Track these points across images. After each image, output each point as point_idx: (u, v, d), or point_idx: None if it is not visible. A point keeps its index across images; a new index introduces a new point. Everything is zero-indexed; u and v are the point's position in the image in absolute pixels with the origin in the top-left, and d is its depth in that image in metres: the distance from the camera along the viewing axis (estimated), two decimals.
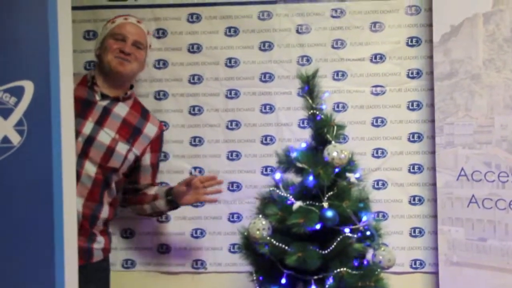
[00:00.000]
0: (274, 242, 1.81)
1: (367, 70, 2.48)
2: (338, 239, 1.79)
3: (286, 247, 1.79)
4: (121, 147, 2.15)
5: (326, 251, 1.78)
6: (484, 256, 2.29)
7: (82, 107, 2.08)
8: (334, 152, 1.82)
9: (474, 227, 2.31)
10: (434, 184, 2.41)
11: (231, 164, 2.52)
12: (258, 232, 1.83)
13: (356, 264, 1.83)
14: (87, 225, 2.11)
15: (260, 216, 1.87)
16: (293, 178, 1.92)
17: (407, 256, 2.46)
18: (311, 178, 1.81)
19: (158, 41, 2.52)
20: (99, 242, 2.18)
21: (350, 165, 1.89)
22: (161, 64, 2.53)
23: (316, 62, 2.46)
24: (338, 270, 1.79)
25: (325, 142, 1.88)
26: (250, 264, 1.95)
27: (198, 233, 2.53)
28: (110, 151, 2.12)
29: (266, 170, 2.49)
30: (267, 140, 2.51)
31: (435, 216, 2.42)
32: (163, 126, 2.36)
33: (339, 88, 2.48)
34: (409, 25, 2.47)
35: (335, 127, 1.89)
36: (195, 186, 2.16)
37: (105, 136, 2.12)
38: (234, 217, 2.52)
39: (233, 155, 2.52)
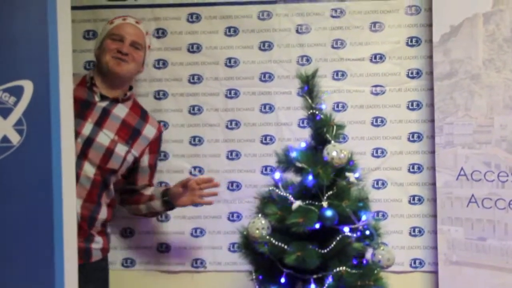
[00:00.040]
0: (274, 241, 1.81)
1: (367, 70, 2.48)
2: (338, 238, 1.79)
3: (286, 246, 1.80)
4: (120, 149, 2.15)
5: (325, 251, 1.78)
6: (483, 256, 2.29)
7: (81, 108, 2.08)
8: (334, 151, 1.82)
9: (473, 227, 2.31)
10: (433, 184, 2.41)
11: (230, 163, 2.52)
12: (257, 231, 1.83)
13: (355, 263, 1.83)
14: (86, 226, 2.11)
15: (260, 215, 1.88)
16: (292, 177, 1.93)
17: (407, 255, 2.47)
18: (310, 177, 1.81)
19: (158, 41, 2.52)
20: (98, 242, 2.18)
21: (349, 164, 1.89)
22: (161, 64, 2.53)
23: (316, 62, 2.47)
24: (338, 269, 1.79)
25: (324, 142, 1.88)
26: (250, 263, 1.95)
27: (198, 232, 2.54)
28: (109, 152, 2.13)
29: (266, 170, 2.49)
30: (266, 139, 2.51)
31: (434, 216, 2.42)
32: (162, 127, 2.36)
33: (339, 88, 2.48)
34: (409, 25, 2.47)
35: (335, 127, 1.89)
36: (192, 187, 2.16)
37: (104, 137, 2.12)
38: (233, 216, 2.52)
39: (233, 155, 2.52)
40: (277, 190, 1.87)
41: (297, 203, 1.81)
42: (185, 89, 2.53)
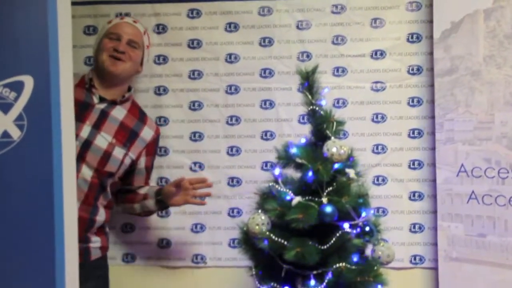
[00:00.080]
0: (273, 237, 1.81)
1: (367, 66, 2.48)
2: (337, 234, 1.79)
3: (285, 242, 1.80)
4: (118, 152, 2.15)
5: (325, 247, 1.78)
6: (483, 252, 2.29)
7: (80, 110, 2.06)
8: (334, 147, 1.82)
9: (473, 223, 2.32)
10: (434, 180, 2.41)
11: (231, 159, 2.52)
12: (257, 227, 1.83)
13: (355, 259, 1.83)
14: (84, 228, 2.10)
15: (260, 211, 1.88)
16: (292, 173, 1.93)
17: (407, 251, 2.47)
18: (310, 173, 1.81)
19: (158, 37, 2.52)
20: (96, 242, 2.18)
21: (349, 161, 1.89)
22: (161, 59, 2.53)
23: (316, 58, 2.47)
24: (337, 265, 1.80)
25: (324, 138, 1.88)
26: (250, 259, 1.96)
27: (198, 228, 2.54)
28: (107, 155, 2.12)
29: (266, 166, 2.49)
30: (267, 135, 2.51)
31: (434, 212, 2.42)
32: (159, 130, 2.34)
33: (339, 84, 2.48)
34: (409, 21, 2.47)
35: (335, 123, 1.89)
36: (185, 187, 2.15)
37: (102, 140, 2.12)
38: (234, 212, 2.52)
39: (233, 151, 2.52)
40: (277, 186, 1.87)
41: (297, 199, 1.81)
42: (185, 84, 2.53)
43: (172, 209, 2.48)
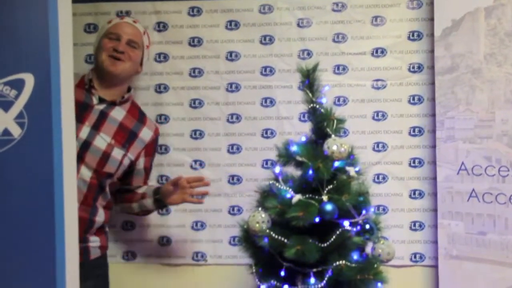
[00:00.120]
0: (274, 235, 1.81)
1: (368, 64, 2.48)
2: (337, 232, 1.79)
3: (285, 240, 1.80)
4: (117, 153, 2.15)
5: (325, 244, 1.78)
6: (483, 250, 2.30)
7: (79, 111, 2.04)
8: (334, 145, 1.82)
9: (474, 221, 2.32)
10: (434, 178, 2.41)
11: (231, 157, 2.52)
12: (257, 225, 1.83)
13: (355, 257, 1.83)
14: (83, 229, 2.09)
15: (260, 209, 1.88)
16: (293, 171, 1.93)
17: (407, 249, 2.47)
18: (310, 171, 1.81)
19: (159, 35, 2.52)
20: (95, 241, 2.18)
21: (350, 158, 1.89)
22: (162, 57, 2.53)
23: (317, 56, 2.46)
24: (337, 263, 1.80)
25: (325, 136, 1.88)
26: (250, 257, 1.96)
27: (198, 226, 2.54)
28: (105, 156, 2.12)
29: (267, 164, 2.49)
30: (267, 133, 2.51)
31: (435, 210, 2.42)
32: (158, 130, 2.34)
33: (340, 82, 2.48)
34: (410, 19, 2.47)
35: (335, 121, 1.89)
36: (182, 186, 2.16)
37: (101, 141, 2.12)
38: (234, 210, 2.53)
39: (234, 148, 2.53)
40: (277, 184, 1.87)
41: (297, 197, 1.81)
42: (186, 82, 2.53)
43: (172, 207, 2.48)
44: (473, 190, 2.31)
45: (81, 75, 2.20)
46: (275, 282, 1.85)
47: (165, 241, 2.56)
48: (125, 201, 2.30)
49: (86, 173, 2.09)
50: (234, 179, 2.52)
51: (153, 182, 2.43)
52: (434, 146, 2.41)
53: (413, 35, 2.47)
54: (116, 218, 2.48)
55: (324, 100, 1.91)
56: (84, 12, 2.53)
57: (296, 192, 1.83)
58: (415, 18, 2.46)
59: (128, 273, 2.53)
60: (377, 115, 2.49)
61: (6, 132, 1.53)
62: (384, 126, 2.48)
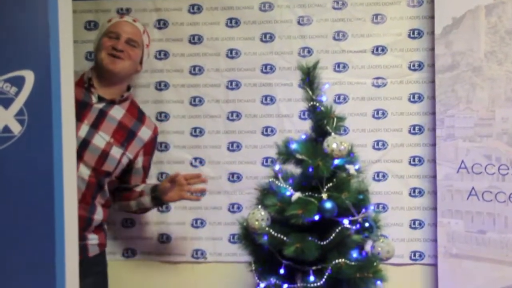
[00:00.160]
0: (273, 232, 1.82)
1: (368, 62, 2.48)
2: (337, 230, 1.79)
3: (285, 238, 1.80)
4: (116, 151, 2.15)
5: (324, 242, 1.79)
6: (483, 249, 2.30)
7: (78, 109, 2.02)
8: (334, 143, 1.82)
9: (473, 220, 2.32)
10: (434, 177, 2.41)
11: (231, 155, 2.52)
12: (257, 223, 1.84)
13: (354, 255, 1.83)
14: (82, 227, 2.08)
15: (259, 206, 1.88)
16: (292, 169, 1.93)
17: (407, 247, 2.47)
18: (310, 169, 1.81)
19: (159, 32, 2.52)
20: (94, 239, 2.18)
21: (350, 156, 1.89)
22: (162, 55, 2.53)
23: (317, 54, 2.46)
24: (337, 261, 1.80)
25: (325, 134, 1.88)
26: (249, 254, 1.96)
27: (198, 223, 2.54)
28: (104, 155, 2.12)
29: (267, 161, 2.49)
30: (267, 131, 2.51)
31: (435, 208, 2.42)
32: (157, 130, 2.33)
33: (340, 80, 2.48)
34: (411, 17, 2.46)
35: (335, 119, 1.89)
36: (179, 183, 2.16)
37: (100, 139, 2.12)
38: (234, 208, 2.53)
39: (234, 146, 2.53)
40: (277, 182, 1.88)
41: (296, 195, 1.81)
42: (186, 80, 2.53)
43: (172, 204, 2.49)
44: (473, 188, 2.31)
45: (81, 73, 2.20)
46: (275, 280, 1.85)
47: (165, 239, 2.56)
48: (123, 199, 2.30)
49: (85, 172, 2.09)
50: (234, 177, 2.52)
51: (153, 180, 2.43)
52: (434, 144, 2.41)
53: (413, 33, 2.46)
54: (116, 216, 2.48)
55: (324, 98, 1.91)
56: (85, 9, 2.53)
57: (295, 190, 1.84)
58: (415, 16, 2.46)
59: (128, 271, 2.54)
60: (377, 113, 2.49)
61: (6, 129, 1.53)
62: (384, 124, 2.48)
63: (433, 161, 2.42)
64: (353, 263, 1.81)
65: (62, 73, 1.56)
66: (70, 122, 1.61)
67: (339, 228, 1.80)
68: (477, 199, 2.30)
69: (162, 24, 2.53)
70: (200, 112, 2.53)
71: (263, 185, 1.95)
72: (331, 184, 1.82)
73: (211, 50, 2.52)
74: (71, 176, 1.62)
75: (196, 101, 2.53)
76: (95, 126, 2.12)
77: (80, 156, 2.06)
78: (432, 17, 2.40)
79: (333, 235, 1.79)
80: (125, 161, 2.19)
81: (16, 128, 1.53)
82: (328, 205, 1.77)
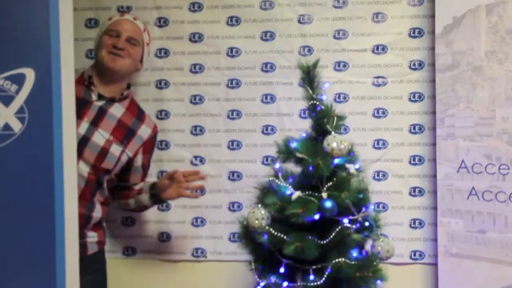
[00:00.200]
0: (273, 231, 1.82)
1: (368, 61, 2.48)
2: (337, 229, 1.79)
3: (285, 237, 1.80)
4: (115, 149, 2.15)
5: (324, 241, 1.79)
6: (483, 248, 2.30)
7: (78, 107, 2.02)
8: (334, 142, 1.82)
9: (473, 219, 2.32)
10: (434, 176, 2.41)
11: (231, 153, 2.52)
12: (257, 222, 1.84)
13: (354, 254, 1.83)
14: (81, 224, 2.07)
15: (260, 205, 1.88)
16: (293, 168, 1.93)
17: (407, 247, 2.47)
18: (310, 168, 1.81)
19: (160, 30, 2.52)
20: (93, 237, 2.19)
21: (350, 155, 1.89)
22: (163, 53, 2.53)
23: (317, 53, 2.46)
24: (337, 260, 1.80)
25: (325, 133, 1.88)
26: (250, 253, 1.96)
27: (198, 222, 2.54)
28: (104, 152, 2.12)
29: (267, 160, 2.49)
30: (268, 130, 2.51)
31: (435, 208, 2.42)
32: (157, 129, 2.33)
33: (341, 78, 2.48)
34: (411, 16, 2.46)
35: (335, 118, 1.89)
36: (178, 180, 2.16)
37: (100, 137, 2.12)
38: (234, 206, 2.53)
39: (234, 145, 2.53)
40: (277, 181, 1.88)
41: (296, 194, 1.81)
42: (186, 78, 2.53)
43: (172, 203, 2.49)
44: (473, 188, 2.31)
45: (81, 71, 2.20)
46: (275, 279, 1.85)
47: (165, 237, 2.56)
48: (122, 197, 2.30)
49: (84, 169, 2.09)
50: (234, 176, 2.52)
51: (153, 178, 2.43)
52: (434, 144, 2.41)
53: (414, 32, 2.46)
54: (116, 214, 2.48)
55: (324, 97, 1.91)
56: (85, 7, 2.52)
57: (296, 189, 1.84)
58: (416, 15, 2.46)
59: (128, 269, 2.54)
60: (378, 112, 2.49)
61: (7, 127, 1.53)
62: (384, 124, 2.48)
63: (433, 160, 2.42)
64: (353, 262, 1.81)
65: (63, 71, 1.56)
66: (70, 120, 1.62)
67: (339, 227, 1.80)
68: (477, 198, 2.30)
69: (162, 22, 2.53)
70: (201, 110, 2.53)
71: (263, 184, 1.94)
72: (331, 183, 1.82)
73: (212, 48, 2.52)
74: (72, 174, 1.63)
75: (196, 100, 2.53)
76: (95, 123, 2.12)
77: (79, 153, 2.05)
78: (432, 16, 2.40)
79: (333, 234, 1.79)
80: (124, 159, 2.19)
81: (17, 126, 1.54)
82: (328, 204, 1.77)
